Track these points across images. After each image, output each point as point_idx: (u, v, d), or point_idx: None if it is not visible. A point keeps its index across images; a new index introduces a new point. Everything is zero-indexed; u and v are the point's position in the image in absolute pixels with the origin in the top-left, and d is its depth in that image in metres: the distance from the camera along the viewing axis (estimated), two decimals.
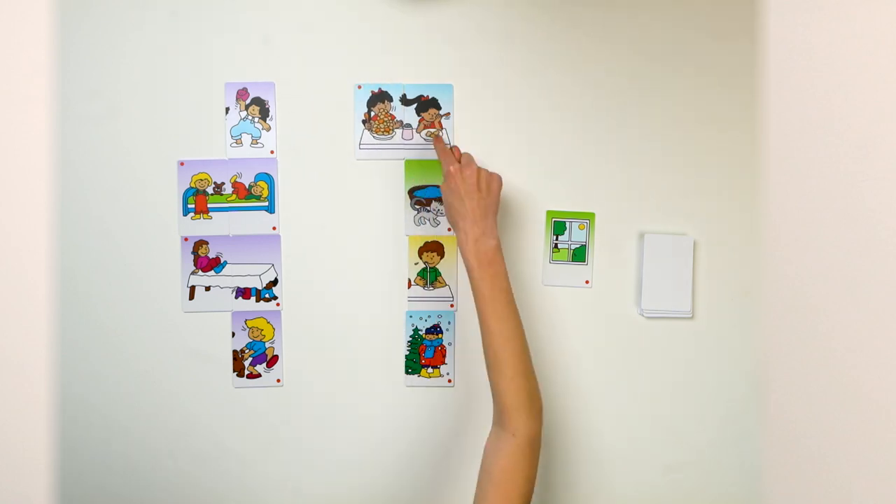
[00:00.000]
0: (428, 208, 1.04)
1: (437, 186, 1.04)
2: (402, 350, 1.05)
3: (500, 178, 0.95)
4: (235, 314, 1.04)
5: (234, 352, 1.05)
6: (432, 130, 1.01)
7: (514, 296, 1.06)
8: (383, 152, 1.04)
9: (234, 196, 1.04)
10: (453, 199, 0.93)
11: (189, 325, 1.04)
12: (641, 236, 1.04)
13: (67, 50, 1.03)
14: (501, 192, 0.95)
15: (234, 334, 1.05)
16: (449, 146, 1.01)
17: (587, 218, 1.05)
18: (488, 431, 1.07)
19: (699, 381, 1.05)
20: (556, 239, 1.05)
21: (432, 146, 1.03)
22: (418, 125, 1.04)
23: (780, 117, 0.40)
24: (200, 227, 1.04)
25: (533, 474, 0.86)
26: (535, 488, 1.07)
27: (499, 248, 0.91)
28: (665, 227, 1.05)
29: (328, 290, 1.05)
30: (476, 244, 0.90)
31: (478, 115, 1.04)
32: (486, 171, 0.95)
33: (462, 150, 1.01)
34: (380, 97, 1.04)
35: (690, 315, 1.04)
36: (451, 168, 0.94)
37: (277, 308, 1.05)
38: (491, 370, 0.88)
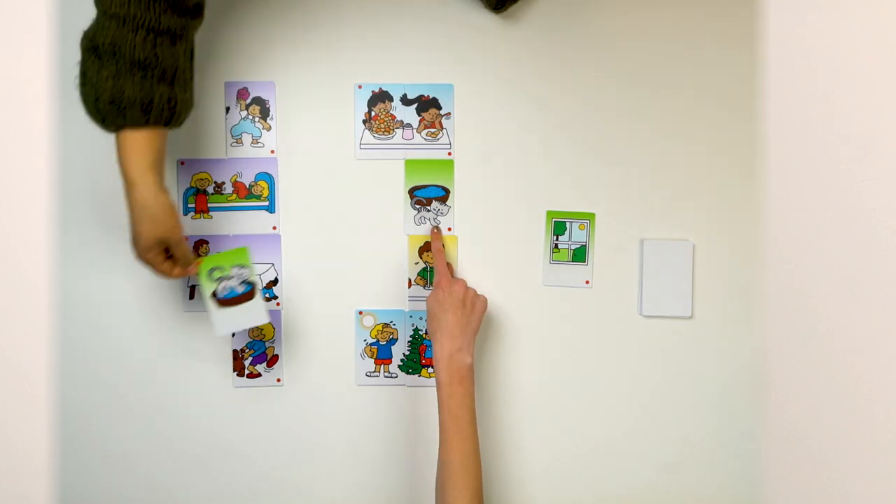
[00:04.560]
0: (428, 208, 1.04)
1: (438, 186, 1.04)
2: (402, 350, 1.05)
3: (485, 301, 0.96)
4: None
5: (234, 351, 1.05)
6: (435, 223, 1.01)
7: (514, 296, 1.06)
8: (383, 152, 1.04)
9: (235, 195, 1.04)
10: (437, 309, 0.93)
11: (189, 325, 1.04)
12: (642, 242, 1.04)
13: (67, 50, 1.03)
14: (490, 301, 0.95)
15: (234, 334, 1.05)
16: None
17: (587, 218, 1.05)
18: (488, 431, 1.07)
19: (699, 381, 1.05)
20: (557, 239, 1.05)
21: (430, 237, 1.04)
22: (419, 125, 1.04)
23: (780, 117, 0.40)
24: (201, 227, 1.04)
25: None
26: (535, 489, 1.07)
27: (472, 368, 0.91)
28: (665, 228, 1.05)
29: (328, 289, 1.05)
30: (451, 359, 0.90)
31: (478, 115, 1.04)
32: (475, 291, 0.96)
33: (461, 152, 1.02)
34: (380, 97, 1.04)
35: (690, 317, 1.04)
36: (443, 280, 0.95)
37: (277, 308, 1.05)
38: (444, 487, 0.87)
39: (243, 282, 0.93)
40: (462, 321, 0.92)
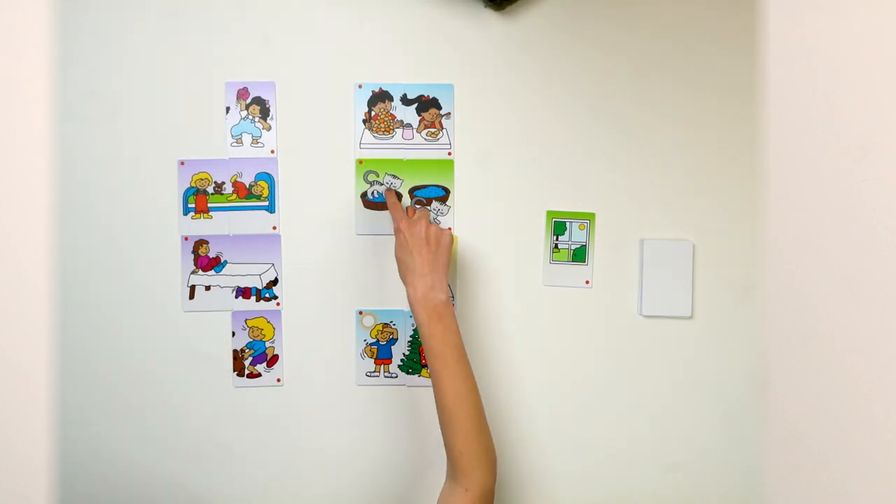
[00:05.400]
0: (428, 208, 1.04)
1: (438, 186, 1.04)
2: (402, 350, 1.05)
3: (451, 235, 0.95)
4: (235, 314, 1.04)
5: (235, 351, 1.05)
6: (384, 187, 1.02)
7: (514, 296, 1.06)
8: (383, 152, 1.04)
9: (235, 195, 1.04)
10: (403, 254, 0.93)
11: (189, 325, 1.04)
12: (642, 242, 1.04)
13: (67, 50, 1.03)
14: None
15: (234, 334, 1.05)
16: (404, 205, 1.01)
17: (587, 218, 1.05)
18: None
19: (699, 381, 1.05)
20: (557, 239, 1.05)
21: (386, 204, 1.02)
22: (419, 125, 1.04)
23: (780, 117, 0.40)
24: (201, 227, 1.04)
25: None
26: (535, 488, 1.07)
27: (449, 303, 0.90)
28: (664, 227, 1.05)
29: (328, 289, 1.05)
30: (425, 298, 0.89)
31: (478, 115, 1.04)
32: (437, 227, 0.95)
33: (461, 152, 1.02)
34: (380, 97, 1.04)
35: (690, 317, 1.04)
36: (401, 223, 0.94)
37: (277, 308, 1.05)
38: (444, 427, 0.86)
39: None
40: (429, 259, 0.91)
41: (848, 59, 0.36)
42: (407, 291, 0.90)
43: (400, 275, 0.94)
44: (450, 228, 1.04)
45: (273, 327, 1.05)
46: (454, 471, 0.85)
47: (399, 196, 1.03)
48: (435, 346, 0.87)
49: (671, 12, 1.04)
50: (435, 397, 0.88)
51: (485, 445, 0.86)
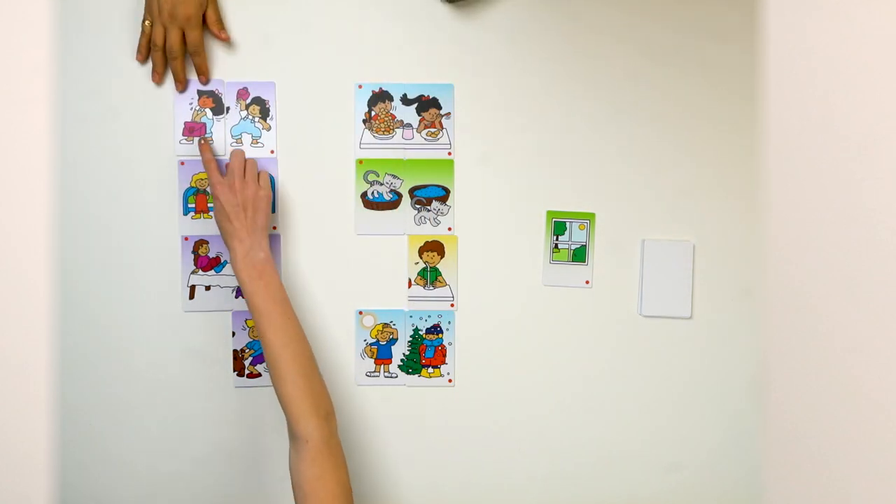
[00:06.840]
0: (428, 208, 1.04)
1: (438, 186, 1.04)
2: (402, 350, 1.05)
3: (267, 192, 0.97)
4: (236, 313, 1.04)
5: (235, 351, 1.05)
6: (204, 138, 1.01)
7: (514, 296, 1.06)
8: (383, 152, 1.04)
9: None
10: (222, 219, 0.95)
11: (189, 325, 1.04)
12: (642, 242, 1.04)
13: (67, 50, 1.03)
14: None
15: (234, 334, 1.05)
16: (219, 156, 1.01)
17: (587, 218, 1.05)
18: (489, 431, 1.07)
19: (699, 381, 1.05)
20: (557, 239, 1.05)
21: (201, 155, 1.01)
22: (419, 125, 1.04)
23: (780, 117, 0.40)
24: (201, 227, 1.04)
25: (342, 476, 0.87)
26: (535, 489, 1.07)
27: (269, 260, 0.93)
28: (665, 228, 1.05)
29: (328, 289, 1.05)
30: (245, 259, 0.92)
31: (478, 115, 1.04)
32: (253, 185, 0.96)
33: (461, 152, 1.02)
34: (380, 97, 1.04)
35: (690, 317, 1.04)
36: (216, 189, 0.95)
37: None
38: (274, 381, 0.90)
39: (392, 191, 0.98)
40: (247, 224, 0.94)
41: (848, 59, 0.36)
42: (230, 256, 0.94)
43: (222, 237, 0.96)
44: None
45: None
46: (291, 426, 0.88)
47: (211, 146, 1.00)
48: (258, 302, 0.91)
49: (671, 11, 1.04)
50: (265, 358, 0.92)
51: (315, 390, 0.90)
